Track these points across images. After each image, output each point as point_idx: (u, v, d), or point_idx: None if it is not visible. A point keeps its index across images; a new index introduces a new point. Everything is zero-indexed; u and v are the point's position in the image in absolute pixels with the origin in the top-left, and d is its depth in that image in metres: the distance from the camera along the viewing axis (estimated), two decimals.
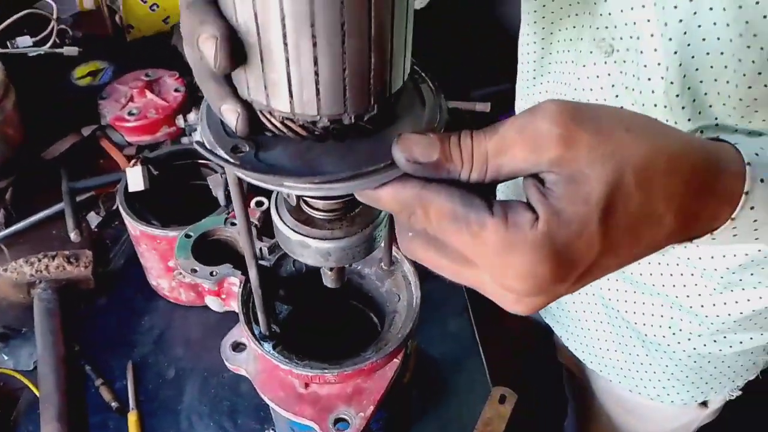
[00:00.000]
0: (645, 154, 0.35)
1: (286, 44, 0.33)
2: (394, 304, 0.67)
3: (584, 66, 0.69)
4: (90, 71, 1.37)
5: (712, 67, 0.56)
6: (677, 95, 0.59)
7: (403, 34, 0.37)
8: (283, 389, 0.64)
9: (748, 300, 0.71)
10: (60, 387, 0.84)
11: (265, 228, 0.73)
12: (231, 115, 0.38)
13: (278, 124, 0.38)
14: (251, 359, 0.66)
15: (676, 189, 0.37)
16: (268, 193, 0.50)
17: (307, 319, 0.72)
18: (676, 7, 0.55)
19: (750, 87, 0.55)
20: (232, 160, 0.37)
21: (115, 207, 1.11)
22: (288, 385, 0.64)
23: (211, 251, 0.71)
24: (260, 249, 0.68)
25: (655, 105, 0.62)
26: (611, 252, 0.37)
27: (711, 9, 0.53)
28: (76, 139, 1.21)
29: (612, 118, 0.36)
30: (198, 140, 0.40)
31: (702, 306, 0.74)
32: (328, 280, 0.56)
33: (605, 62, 0.66)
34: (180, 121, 1.23)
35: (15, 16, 1.32)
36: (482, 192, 0.37)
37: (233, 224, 0.72)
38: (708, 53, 0.55)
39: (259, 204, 0.87)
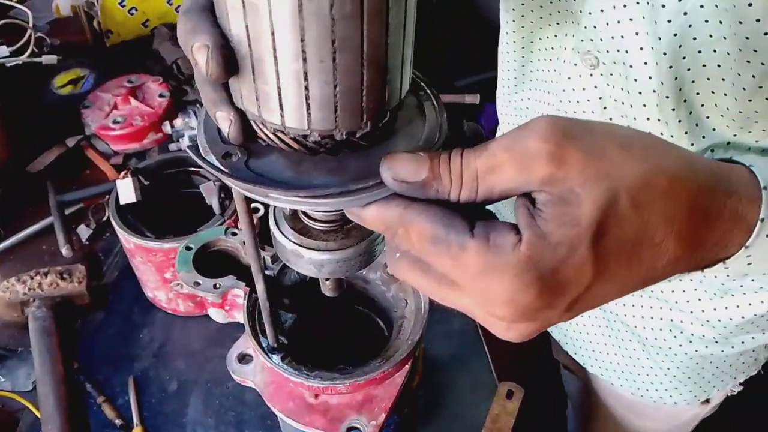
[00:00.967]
0: (642, 174, 0.33)
1: (276, 58, 0.33)
2: (402, 309, 0.66)
3: (569, 78, 0.67)
4: (71, 79, 1.35)
5: (708, 79, 0.55)
6: (673, 109, 0.58)
7: (400, 51, 0.35)
8: (293, 400, 0.63)
9: (750, 304, 0.69)
10: (61, 407, 0.82)
11: (266, 236, 0.72)
12: (224, 122, 0.38)
13: (270, 135, 0.38)
14: (258, 371, 0.65)
15: (677, 212, 0.34)
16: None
17: (312, 326, 0.71)
18: (669, 21, 0.53)
19: (750, 100, 0.54)
20: (220, 167, 0.37)
21: (105, 218, 1.10)
22: (297, 395, 0.63)
23: (213, 263, 0.69)
24: (263, 258, 0.67)
25: (648, 119, 0.61)
26: (606, 279, 0.35)
27: (707, 22, 0.51)
28: (61, 150, 1.19)
29: (607, 135, 0.34)
30: (189, 144, 0.40)
31: (703, 311, 0.73)
32: (326, 289, 0.55)
33: (591, 74, 0.64)
34: (167, 128, 1.20)
35: None
36: (469, 212, 0.36)
37: (234, 234, 0.71)
38: (704, 65, 0.54)
39: (255, 210, 0.86)
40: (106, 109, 1.22)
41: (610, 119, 0.65)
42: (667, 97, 0.58)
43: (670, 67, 0.56)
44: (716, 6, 0.50)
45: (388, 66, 0.35)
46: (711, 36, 0.52)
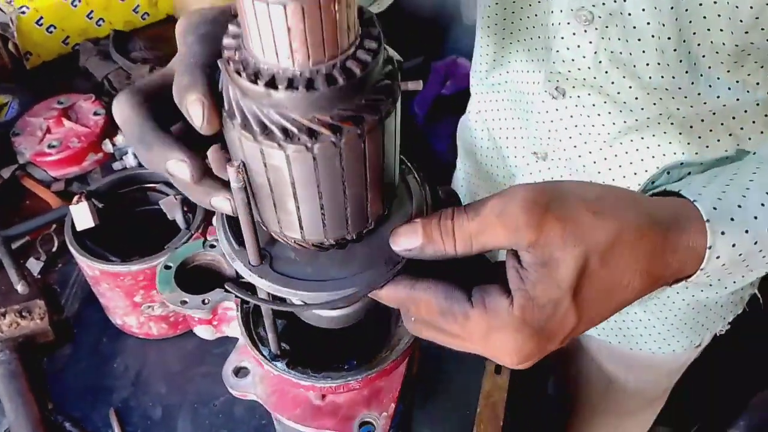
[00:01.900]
0: (609, 235, 0.40)
1: (296, 200, 0.39)
2: None
3: (562, 38, 0.68)
4: None
5: (705, 17, 0.57)
6: (675, 50, 0.61)
7: (392, 166, 0.42)
8: (299, 405, 0.62)
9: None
10: None
11: None
12: (196, 108, 0.38)
13: (291, 243, 0.44)
14: (258, 381, 0.63)
15: (640, 258, 0.42)
16: None
17: (306, 326, 0.70)
18: None
19: (747, 32, 0.56)
20: (254, 273, 0.44)
21: (55, 248, 1.04)
22: (302, 400, 0.62)
23: (193, 279, 0.67)
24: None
25: (648, 64, 0.63)
26: (586, 319, 0.42)
27: None
28: None
29: (579, 201, 0.41)
30: (229, 284, 0.50)
31: None
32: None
33: (585, 30, 0.66)
34: (108, 146, 1.16)
35: None
36: (469, 265, 0.43)
37: (212, 246, 0.68)
38: (701, 3, 0.57)
39: None
40: (39, 134, 1.16)
41: (606, 72, 0.68)
42: (669, 38, 0.60)
43: (672, 8, 0.58)
44: None
45: (386, 182, 0.41)
46: None
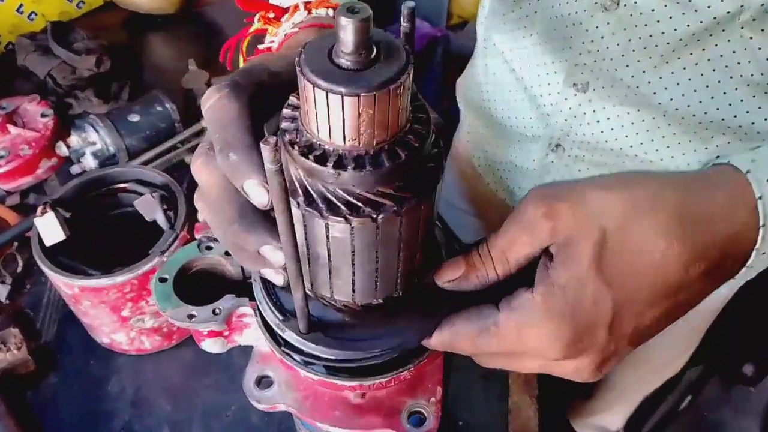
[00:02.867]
0: (623, 204, 0.40)
1: (353, 264, 0.40)
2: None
3: (586, 30, 0.65)
4: None
5: None
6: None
7: (425, 242, 0.42)
8: (337, 408, 0.55)
9: None
10: None
11: None
12: (257, 188, 0.38)
13: (337, 304, 0.46)
14: (286, 390, 0.56)
15: (669, 221, 0.39)
16: None
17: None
18: None
19: None
20: (308, 341, 0.46)
21: (20, 269, 0.94)
22: (340, 401, 0.56)
23: (195, 288, 0.59)
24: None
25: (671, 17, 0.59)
26: (623, 296, 0.40)
27: None
28: None
29: (588, 184, 0.41)
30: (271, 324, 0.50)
31: None
32: None
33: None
34: (62, 149, 1.05)
35: None
36: (495, 297, 0.43)
37: (209, 249, 0.60)
38: None
39: None
40: None
41: (624, 30, 0.64)
42: None
43: None
44: None
45: (418, 255, 0.42)
46: None
